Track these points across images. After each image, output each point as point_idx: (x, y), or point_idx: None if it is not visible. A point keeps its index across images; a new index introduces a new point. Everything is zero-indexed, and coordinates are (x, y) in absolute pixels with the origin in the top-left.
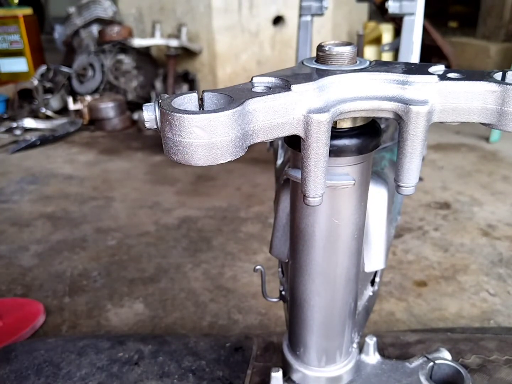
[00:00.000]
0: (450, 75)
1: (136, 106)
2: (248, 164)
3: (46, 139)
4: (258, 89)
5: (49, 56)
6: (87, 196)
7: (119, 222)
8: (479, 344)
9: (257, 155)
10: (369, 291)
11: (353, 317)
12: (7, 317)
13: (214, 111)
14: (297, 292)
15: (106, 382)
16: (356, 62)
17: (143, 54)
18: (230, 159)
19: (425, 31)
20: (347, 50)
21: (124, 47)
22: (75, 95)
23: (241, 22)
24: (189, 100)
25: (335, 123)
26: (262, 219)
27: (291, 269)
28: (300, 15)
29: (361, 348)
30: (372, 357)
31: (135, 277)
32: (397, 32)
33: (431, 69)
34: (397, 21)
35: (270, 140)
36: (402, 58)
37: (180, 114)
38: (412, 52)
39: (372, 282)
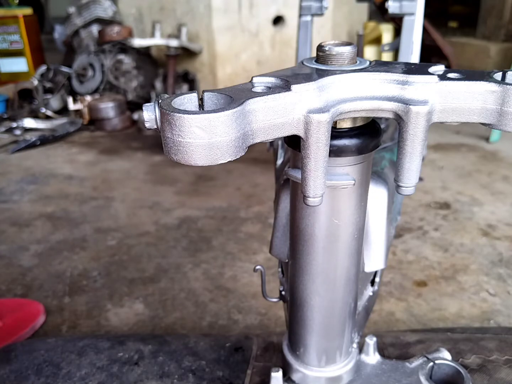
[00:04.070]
0: (450, 75)
1: (136, 106)
2: (248, 164)
3: (46, 139)
4: (258, 89)
5: (49, 56)
6: (87, 196)
7: (119, 222)
8: (479, 344)
9: (257, 155)
10: (369, 291)
11: (353, 317)
12: (7, 317)
13: (214, 111)
14: (297, 292)
15: (106, 382)
16: (356, 62)
17: (143, 54)
18: (230, 159)
19: (425, 31)
20: (347, 50)
21: (124, 47)
22: (75, 95)
23: (241, 22)
24: (189, 100)
25: (335, 123)
26: (262, 219)
27: (291, 269)
28: (300, 15)
29: (361, 348)
30: (372, 357)
31: (135, 277)
32: (397, 32)
33: (431, 69)
34: (397, 21)
35: (270, 140)
36: (402, 58)
37: (180, 114)
38: (412, 52)
39: (372, 282)
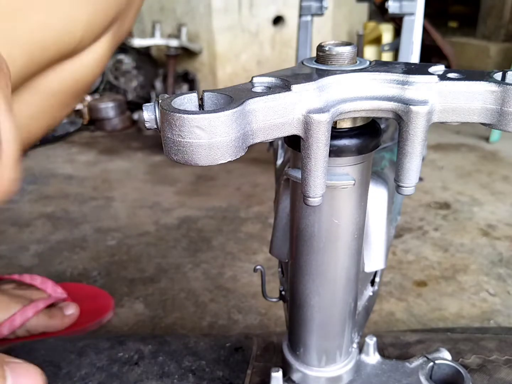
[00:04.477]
0: (450, 75)
1: (136, 106)
2: (248, 164)
3: (46, 139)
4: (258, 89)
5: None
6: (87, 196)
7: (119, 222)
8: (479, 344)
9: (257, 155)
10: (369, 291)
11: (353, 317)
12: (84, 304)
13: (214, 111)
14: (297, 292)
15: (106, 382)
16: (356, 62)
17: (143, 54)
18: (230, 159)
19: (425, 31)
20: (347, 50)
21: (124, 47)
22: None
23: (241, 22)
24: (189, 100)
25: (335, 123)
26: (262, 219)
27: (291, 269)
28: (300, 15)
29: (361, 348)
30: (372, 357)
31: (135, 277)
32: (397, 32)
33: (431, 69)
34: (397, 21)
35: (270, 140)
36: (402, 58)
37: (180, 114)
38: (412, 52)
39: (372, 282)
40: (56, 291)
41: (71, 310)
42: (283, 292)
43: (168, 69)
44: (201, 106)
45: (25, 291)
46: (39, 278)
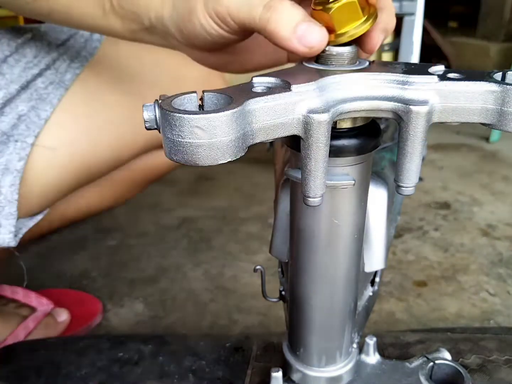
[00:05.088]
0: (450, 75)
1: None
2: (248, 164)
3: None
4: (258, 89)
5: None
6: None
7: (119, 222)
8: (479, 344)
9: (257, 155)
10: (369, 291)
11: (353, 317)
12: (73, 310)
13: (214, 111)
14: (297, 292)
15: (106, 382)
16: (356, 62)
17: None
18: (230, 159)
19: (425, 31)
20: (347, 50)
21: None
22: None
23: None
24: (189, 100)
25: (335, 123)
26: (262, 219)
27: (291, 269)
28: None
29: (361, 348)
30: (372, 357)
31: (135, 277)
32: (397, 32)
33: (431, 69)
34: (397, 21)
35: (270, 141)
36: (402, 58)
37: (180, 114)
38: (412, 52)
39: (372, 282)
40: (41, 302)
41: (64, 317)
42: (283, 292)
43: None
44: (201, 106)
45: (13, 309)
46: (21, 290)
